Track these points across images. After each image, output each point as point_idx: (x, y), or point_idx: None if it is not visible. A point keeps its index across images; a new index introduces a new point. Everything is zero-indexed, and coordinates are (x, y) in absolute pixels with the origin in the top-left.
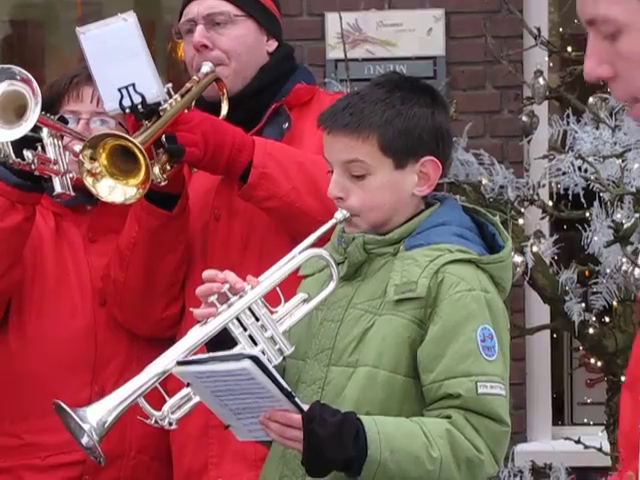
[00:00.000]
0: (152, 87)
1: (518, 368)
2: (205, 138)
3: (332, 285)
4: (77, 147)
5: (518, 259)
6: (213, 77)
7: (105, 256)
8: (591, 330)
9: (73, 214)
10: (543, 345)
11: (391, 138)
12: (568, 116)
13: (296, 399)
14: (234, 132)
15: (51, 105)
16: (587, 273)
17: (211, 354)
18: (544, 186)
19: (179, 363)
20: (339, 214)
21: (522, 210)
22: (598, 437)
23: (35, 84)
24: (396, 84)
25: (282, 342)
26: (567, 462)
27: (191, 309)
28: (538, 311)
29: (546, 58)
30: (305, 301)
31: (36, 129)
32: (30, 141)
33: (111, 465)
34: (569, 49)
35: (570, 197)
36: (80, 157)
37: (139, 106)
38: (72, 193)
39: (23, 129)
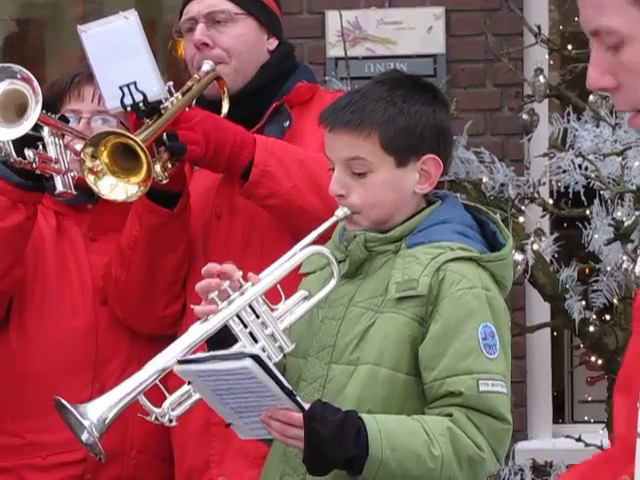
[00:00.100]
0: (153, 85)
1: (519, 366)
2: (206, 136)
3: (333, 282)
4: (78, 146)
5: (519, 257)
6: (214, 75)
7: (106, 255)
8: (592, 328)
9: (74, 213)
10: (544, 343)
11: (393, 136)
12: (568, 114)
13: (297, 398)
14: (235, 130)
15: (52, 104)
16: (587, 271)
17: (212, 353)
18: (544, 184)
19: (180, 362)
20: (340, 211)
21: (522, 208)
22: (599, 435)
23: (36, 83)
24: (397, 82)
25: (282, 339)
26: (568, 460)
27: (192, 306)
28: (539, 309)
29: (546, 56)
30: (306, 298)
31: (37, 128)
32: (31, 140)
33: (112, 463)
34: (569, 47)
35: (570, 195)
36: (82, 155)
37: (140, 104)
38: (73, 192)
39: (24, 128)
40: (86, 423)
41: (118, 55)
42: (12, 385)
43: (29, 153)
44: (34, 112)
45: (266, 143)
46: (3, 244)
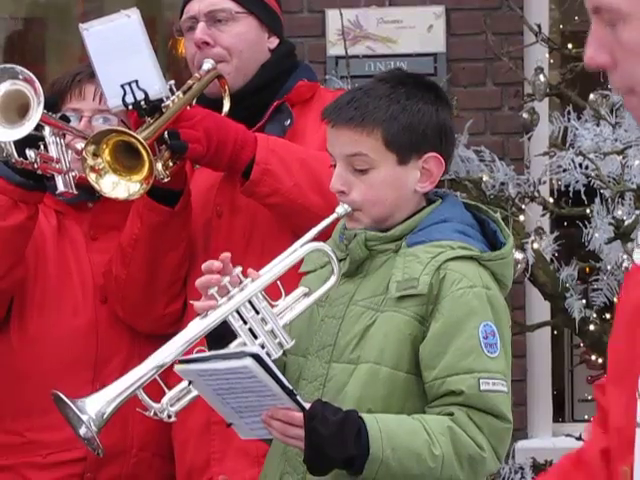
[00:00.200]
0: (155, 84)
1: (519, 365)
2: (208, 135)
3: (333, 279)
4: (79, 145)
5: (519, 256)
6: (215, 74)
7: (107, 253)
8: (592, 327)
9: (75, 212)
10: (544, 342)
11: (395, 133)
12: (569, 113)
13: (298, 397)
14: (236, 129)
15: (53, 103)
16: (588, 270)
17: (213, 352)
18: (545, 183)
19: (181, 361)
20: (340, 209)
21: (523, 207)
22: None
23: (37, 84)
24: (400, 80)
25: (282, 336)
26: None
27: (191, 302)
28: (539, 308)
29: (547, 55)
30: (306, 295)
31: (38, 128)
32: (33, 140)
33: (113, 462)
34: (569, 46)
35: (571, 194)
36: (83, 153)
37: (142, 103)
38: (75, 191)
39: (25, 129)
40: (84, 417)
41: (120, 53)
42: (13, 384)
43: (30, 153)
44: (36, 113)
45: (267, 141)
46: (4, 244)
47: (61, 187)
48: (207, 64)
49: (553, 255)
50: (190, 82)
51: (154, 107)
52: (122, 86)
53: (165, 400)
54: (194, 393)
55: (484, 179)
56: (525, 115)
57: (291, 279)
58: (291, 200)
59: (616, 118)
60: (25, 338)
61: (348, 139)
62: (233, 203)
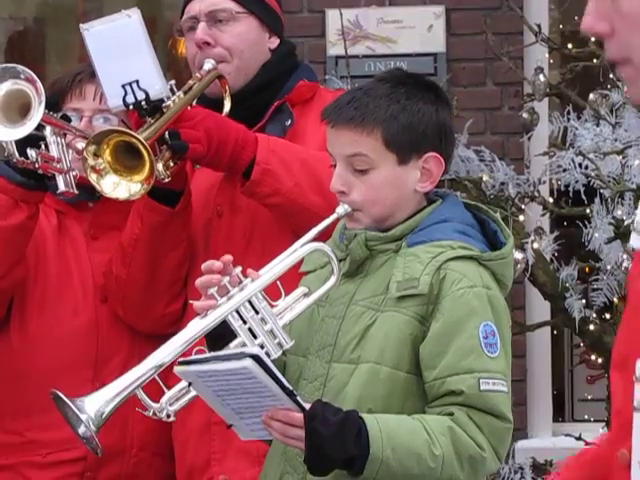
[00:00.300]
0: (156, 84)
1: (519, 365)
2: (208, 135)
3: (333, 279)
4: (80, 145)
5: (519, 256)
6: (215, 74)
7: (107, 253)
8: (592, 327)
9: (75, 211)
10: (544, 342)
11: (395, 133)
12: (569, 113)
13: (298, 398)
14: (237, 129)
15: (54, 102)
16: (588, 270)
17: (212, 353)
18: (545, 183)
19: (180, 363)
20: (341, 209)
21: (523, 207)
22: (599, 434)
23: (39, 83)
24: (400, 80)
25: (282, 336)
26: None
27: (191, 301)
28: (539, 308)
29: (546, 55)
30: (306, 295)
31: (39, 127)
32: (34, 140)
33: (112, 461)
34: (569, 46)
35: (571, 194)
36: (84, 153)
37: (143, 103)
38: (75, 191)
39: (27, 129)
40: (83, 417)
41: (120, 53)
42: (13, 383)
43: (31, 153)
44: (37, 113)
45: (268, 142)
46: (5, 243)
47: (62, 187)
48: (208, 64)
49: (553, 255)
50: (191, 82)
51: (155, 107)
52: (123, 86)
53: (164, 400)
54: (193, 393)
55: (484, 179)
56: (525, 115)
57: (291, 279)
58: (291, 200)
59: (616, 118)
60: (25, 337)
61: (348, 139)
62: (233, 203)
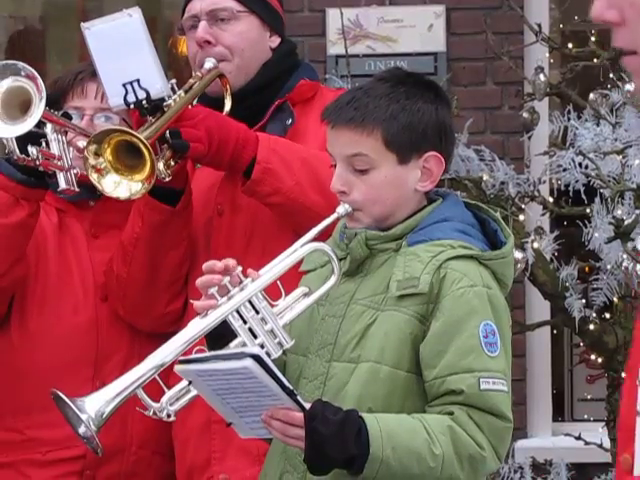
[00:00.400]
0: (156, 83)
1: (518, 364)
2: (209, 134)
3: (333, 279)
4: (81, 143)
5: (519, 255)
6: (216, 73)
7: (108, 252)
8: (591, 326)
9: (76, 210)
10: (543, 341)
11: (395, 133)
12: (569, 112)
13: (298, 397)
14: (238, 128)
15: (55, 101)
16: (588, 269)
17: (213, 352)
18: (545, 182)
19: (180, 362)
20: (341, 208)
21: (523, 206)
22: (598, 433)
23: (39, 80)
24: (400, 79)
25: (282, 335)
26: (567, 458)
27: (191, 301)
28: (538, 307)
29: (547, 54)
30: (306, 295)
31: (40, 125)
32: (34, 137)
33: (112, 460)
34: (570, 45)
35: (571, 193)
36: (85, 153)
37: (144, 102)
38: (76, 189)
39: (27, 125)
40: (84, 417)
41: (121, 52)
42: (13, 381)
43: (32, 150)
44: (38, 109)
45: (268, 141)
46: (5, 241)
47: (62, 184)
48: (209, 63)
49: (553, 254)
50: (192, 81)
51: (156, 106)
52: (124, 85)
53: (164, 399)
54: (193, 392)
55: (484, 178)
56: (525, 114)
57: (291, 278)
58: (292, 199)
59: (616, 118)
60: (25, 336)
61: (348, 140)
62: (234, 202)
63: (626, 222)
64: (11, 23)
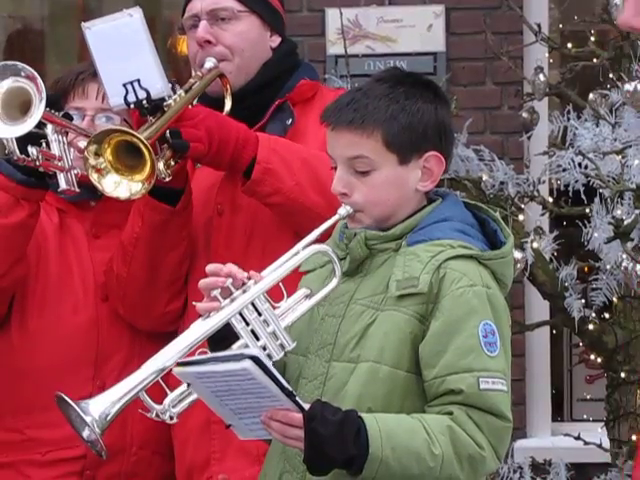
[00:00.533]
0: (157, 82)
1: (518, 364)
2: (209, 134)
3: (335, 281)
4: (82, 143)
5: (518, 255)
6: (217, 73)
7: (108, 252)
8: (591, 326)
9: (77, 210)
10: (543, 341)
11: (396, 133)
12: (568, 112)
13: (297, 398)
14: (238, 128)
15: (56, 101)
16: (587, 269)
17: (211, 354)
18: (544, 182)
19: (179, 364)
20: (343, 210)
21: (522, 206)
22: (598, 433)
23: (40, 81)
24: (398, 80)
25: (284, 337)
26: (567, 458)
27: (194, 303)
28: (538, 307)
29: (546, 54)
30: (307, 297)
31: (41, 125)
32: (35, 138)
33: (112, 460)
34: (569, 45)
35: (570, 193)
36: (85, 153)
37: (144, 102)
38: (77, 189)
39: (27, 126)
40: (88, 419)
41: (122, 52)
42: (13, 381)
43: (32, 151)
44: (38, 110)
45: (269, 141)
46: (6, 241)
47: (63, 185)
48: (209, 63)
49: (552, 254)
50: (192, 81)
51: (156, 106)
52: (124, 85)
53: (167, 401)
54: (196, 394)
55: (484, 178)
56: (525, 114)
57: (291, 279)
58: (292, 199)
59: (616, 118)
60: (26, 336)
61: (348, 142)
62: (234, 202)
63: (625, 222)
64: (10, 23)
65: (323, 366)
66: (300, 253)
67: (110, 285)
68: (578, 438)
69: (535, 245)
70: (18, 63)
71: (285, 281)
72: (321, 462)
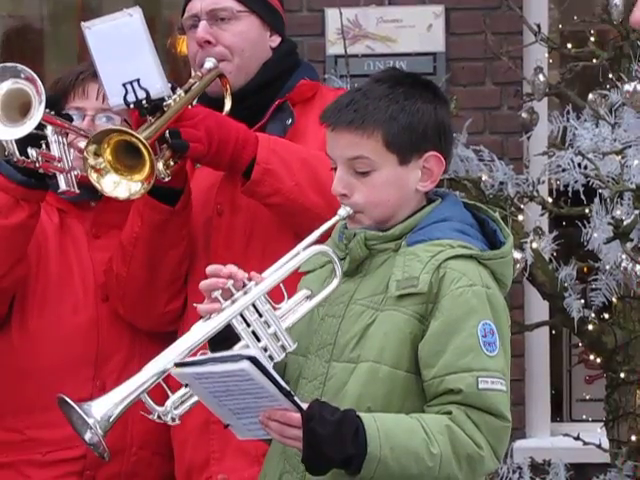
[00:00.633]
0: (156, 82)
1: (517, 364)
2: (209, 134)
3: (335, 282)
4: (82, 144)
5: (518, 255)
6: (216, 73)
7: (108, 252)
8: (590, 327)
9: (77, 210)
10: (542, 341)
11: (395, 134)
12: (568, 112)
13: (295, 398)
14: (238, 128)
15: (56, 101)
16: (586, 270)
17: (209, 355)
18: (544, 182)
19: (177, 365)
20: (343, 211)
21: (522, 206)
22: (597, 433)
23: (39, 83)
24: (398, 80)
25: (285, 338)
26: (566, 458)
27: (195, 304)
28: (537, 307)
29: (546, 54)
30: (308, 298)
31: (41, 127)
32: (35, 139)
33: (112, 460)
34: (569, 45)
35: (570, 194)
36: (85, 153)
37: (143, 102)
38: (77, 190)
39: (27, 128)
40: (90, 421)
41: (122, 52)
42: (13, 381)
43: (32, 152)
44: (37, 112)
45: (268, 141)
46: (6, 242)
47: (63, 186)
48: (209, 63)
49: (552, 255)
50: (191, 81)
51: (155, 106)
52: (124, 85)
53: (169, 403)
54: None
55: (483, 178)
56: (524, 115)
57: (290, 279)
58: (292, 200)
59: (615, 118)
60: (26, 336)
61: (348, 142)
62: (234, 202)
63: (625, 222)
64: (9, 22)
65: (323, 366)
66: (301, 254)
67: (110, 285)
68: (577, 438)
69: (535, 245)
70: (18, 65)
71: (284, 281)
72: (319, 462)
